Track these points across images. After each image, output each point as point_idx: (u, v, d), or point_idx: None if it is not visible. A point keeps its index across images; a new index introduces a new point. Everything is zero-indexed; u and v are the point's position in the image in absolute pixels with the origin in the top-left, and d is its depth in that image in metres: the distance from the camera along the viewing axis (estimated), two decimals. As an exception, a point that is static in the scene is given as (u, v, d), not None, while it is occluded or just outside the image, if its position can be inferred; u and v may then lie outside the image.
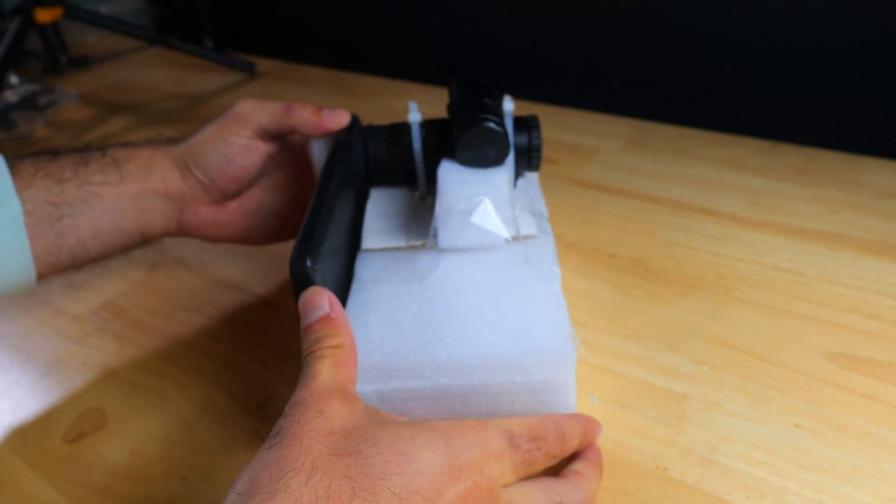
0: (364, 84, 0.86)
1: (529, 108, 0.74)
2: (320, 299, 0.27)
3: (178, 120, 0.79)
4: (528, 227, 0.36)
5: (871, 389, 0.35)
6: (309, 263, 0.27)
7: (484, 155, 0.34)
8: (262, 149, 0.39)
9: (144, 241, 0.39)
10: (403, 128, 0.37)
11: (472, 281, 0.32)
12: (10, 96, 0.79)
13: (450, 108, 0.38)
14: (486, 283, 0.32)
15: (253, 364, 0.40)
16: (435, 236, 0.34)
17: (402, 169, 0.37)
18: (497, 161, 0.34)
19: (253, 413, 0.36)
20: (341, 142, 0.36)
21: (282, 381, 0.38)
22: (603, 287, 0.44)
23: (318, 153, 0.39)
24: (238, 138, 0.38)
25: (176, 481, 0.32)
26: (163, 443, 0.34)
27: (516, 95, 0.75)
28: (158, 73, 0.97)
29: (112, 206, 0.36)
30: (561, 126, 0.68)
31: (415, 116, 0.36)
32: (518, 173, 0.38)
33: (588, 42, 0.79)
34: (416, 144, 0.36)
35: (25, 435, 0.36)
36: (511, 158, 0.35)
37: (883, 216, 0.49)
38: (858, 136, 0.66)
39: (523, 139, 0.37)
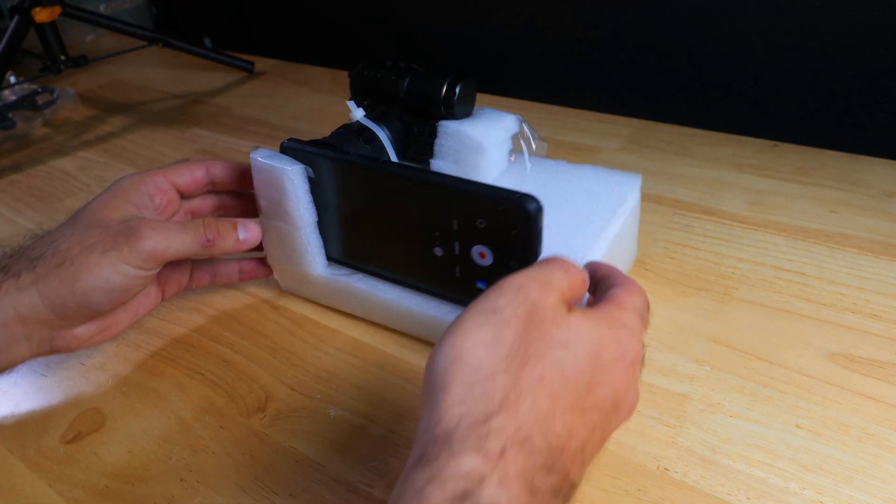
0: (363, 83, 0.86)
1: (530, 108, 0.74)
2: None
3: (177, 119, 0.79)
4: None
5: (872, 390, 0.34)
6: (535, 206, 0.30)
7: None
8: (158, 271, 0.36)
9: (2, 370, 0.34)
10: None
11: None
12: (9, 96, 0.79)
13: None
14: None
15: (252, 364, 0.39)
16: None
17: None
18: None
19: (252, 414, 0.36)
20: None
21: (281, 381, 0.38)
22: (603, 287, 0.44)
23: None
24: (135, 270, 0.34)
25: (174, 482, 0.32)
26: (161, 443, 0.34)
27: (516, 94, 0.75)
28: (157, 72, 0.97)
29: None
30: (561, 126, 0.68)
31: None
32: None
33: (588, 41, 0.79)
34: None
35: (23, 435, 0.36)
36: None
37: (884, 216, 0.49)
38: (858, 136, 0.66)
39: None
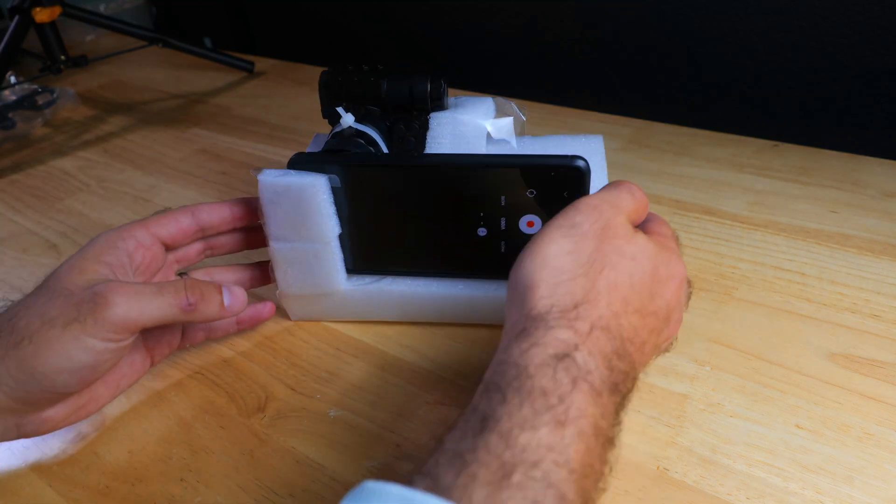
0: (363, 83, 0.86)
1: (530, 108, 0.74)
2: None
3: (177, 119, 0.79)
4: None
5: (872, 390, 0.34)
6: (585, 164, 0.33)
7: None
8: (132, 341, 0.31)
9: None
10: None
11: None
12: (9, 96, 0.79)
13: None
14: None
15: (252, 364, 0.39)
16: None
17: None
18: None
19: (251, 414, 0.36)
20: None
21: (281, 381, 0.38)
22: (603, 287, 0.44)
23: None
24: (103, 343, 0.29)
25: (174, 482, 0.32)
26: (161, 443, 0.34)
27: (516, 94, 0.75)
28: (157, 72, 0.97)
29: None
30: (561, 126, 0.68)
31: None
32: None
33: (588, 41, 0.79)
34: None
35: (23, 435, 0.36)
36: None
37: (884, 216, 0.49)
38: (858, 136, 0.66)
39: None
